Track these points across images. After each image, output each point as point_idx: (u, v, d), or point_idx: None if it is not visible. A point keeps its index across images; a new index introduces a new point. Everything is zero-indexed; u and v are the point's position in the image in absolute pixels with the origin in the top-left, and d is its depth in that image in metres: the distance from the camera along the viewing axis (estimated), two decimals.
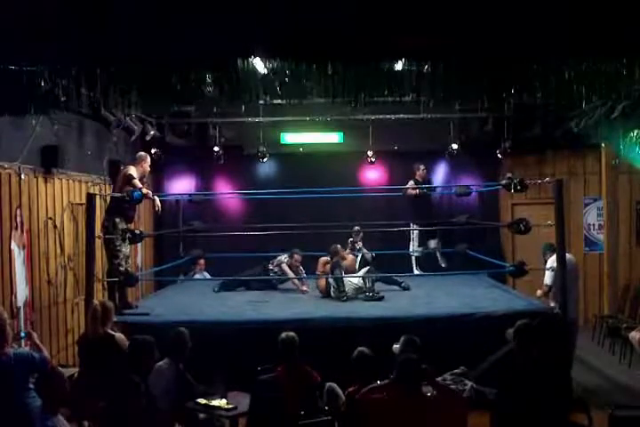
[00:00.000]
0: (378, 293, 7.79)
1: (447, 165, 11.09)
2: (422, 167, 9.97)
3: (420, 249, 9.88)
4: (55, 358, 6.89)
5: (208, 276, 9.83)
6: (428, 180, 10.26)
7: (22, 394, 4.53)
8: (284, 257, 8.75)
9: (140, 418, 3.96)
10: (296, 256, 8.68)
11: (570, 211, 9.82)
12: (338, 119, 10.19)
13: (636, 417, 4.61)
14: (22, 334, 5.83)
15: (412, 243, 9.93)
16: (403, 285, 8.43)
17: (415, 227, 9.72)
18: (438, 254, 9.82)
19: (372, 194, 10.66)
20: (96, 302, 5.96)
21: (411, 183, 9.75)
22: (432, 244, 9.78)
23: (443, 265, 9.69)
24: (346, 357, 4.75)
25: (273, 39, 4.34)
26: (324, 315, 6.71)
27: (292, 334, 5.04)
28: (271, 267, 8.72)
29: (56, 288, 7.42)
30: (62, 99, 5.04)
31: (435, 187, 10.36)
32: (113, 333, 5.44)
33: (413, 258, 9.92)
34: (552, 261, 7.02)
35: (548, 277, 7.05)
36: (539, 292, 7.24)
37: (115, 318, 5.88)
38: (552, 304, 6.97)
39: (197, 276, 9.95)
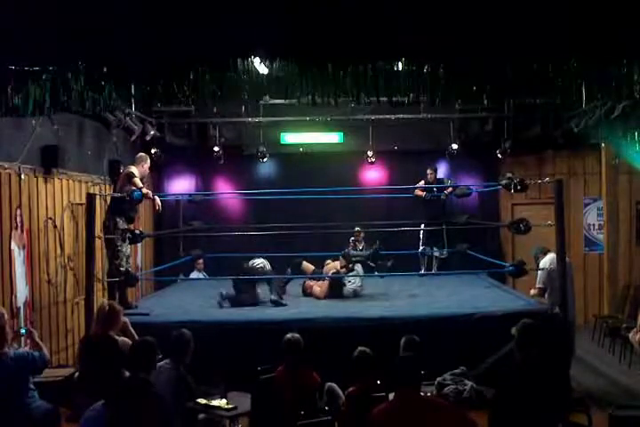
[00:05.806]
0: None
1: (447, 165, 11.06)
2: (429, 171, 9.79)
3: (423, 249, 9.85)
4: (55, 358, 6.90)
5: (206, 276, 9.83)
6: (437, 182, 9.85)
7: (22, 394, 4.55)
8: None
9: (145, 419, 3.94)
10: None
11: (570, 211, 9.80)
12: (338, 119, 10.18)
13: (636, 417, 4.61)
14: (23, 331, 5.81)
15: (421, 242, 9.90)
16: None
17: (422, 227, 9.66)
18: (435, 261, 9.83)
19: (373, 195, 10.63)
20: (105, 301, 5.76)
21: (420, 183, 9.68)
22: (436, 252, 9.76)
23: (433, 271, 9.68)
24: (346, 357, 4.74)
25: (273, 39, 4.35)
26: (324, 315, 6.70)
27: (297, 335, 5.05)
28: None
29: (56, 288, 7.42)
30: (63, 99, 5.04)
31: (431, 187, 10.12)
32: (116, 337, 5.29)
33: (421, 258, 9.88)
34: (544, 262, 7.18)
35: (540, 279, 7.15)
36: (532, 291, 7.37)
37: (122, 321, 5.74)
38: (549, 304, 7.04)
39: (195, 275, 9.96)
